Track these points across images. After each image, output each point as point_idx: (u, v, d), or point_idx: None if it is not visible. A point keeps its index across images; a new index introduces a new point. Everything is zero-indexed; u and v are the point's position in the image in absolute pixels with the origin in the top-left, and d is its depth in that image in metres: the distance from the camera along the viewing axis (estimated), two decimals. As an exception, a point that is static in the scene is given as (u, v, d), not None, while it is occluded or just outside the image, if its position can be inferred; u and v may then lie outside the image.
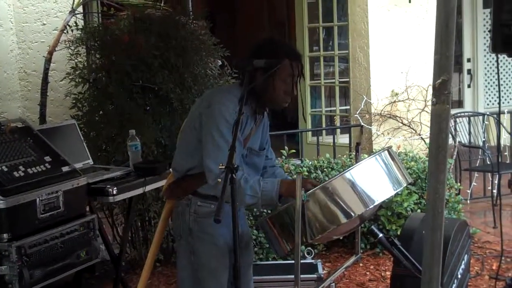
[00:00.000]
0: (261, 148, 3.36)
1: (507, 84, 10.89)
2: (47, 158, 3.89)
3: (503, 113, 7.92)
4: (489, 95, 10.91)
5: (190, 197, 3.22)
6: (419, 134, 7.35)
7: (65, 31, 5.77)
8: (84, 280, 4.35)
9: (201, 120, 3.14)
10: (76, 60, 5.45)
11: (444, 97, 2.09)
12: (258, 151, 3.32)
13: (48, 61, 5.99)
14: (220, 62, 5.71)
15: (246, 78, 2.99)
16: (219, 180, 2.77)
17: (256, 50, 3.17)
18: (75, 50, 5.46)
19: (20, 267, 3.44)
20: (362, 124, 7.44)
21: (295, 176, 3.10)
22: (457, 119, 7.60)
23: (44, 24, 6.60)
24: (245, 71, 3.04)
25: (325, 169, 5.95)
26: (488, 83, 10.89)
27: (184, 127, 3.32)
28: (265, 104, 3.23)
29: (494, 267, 5.40)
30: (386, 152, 3.13)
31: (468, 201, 7.30)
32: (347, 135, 7.85)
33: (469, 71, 10.83)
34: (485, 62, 10.81)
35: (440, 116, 2.12)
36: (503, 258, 5.05)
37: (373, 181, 2.99)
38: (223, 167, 2.72)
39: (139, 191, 4.31)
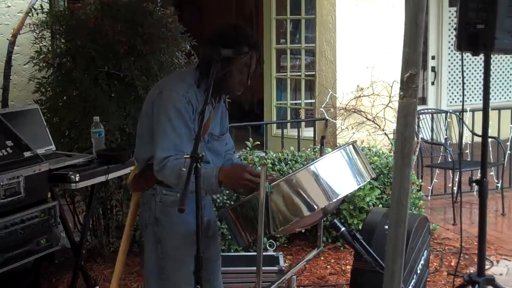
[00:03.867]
0: (221, 133, 3.35)
1: (469, 83, 11.03)
2: (9, 143, 3.83)
3: (466, 111, 8.01)
4: (452, 93, 11.05)
5: (156, 186, 3.20)
6: (383, 130, 7.41)
7: (30, 14, 5.68)
8: (43, 267, 4.29)
9: (153, 108, 3.12)
10: (40, 44, 5.36)
11: (411, 91, 2.11)
12: (218, 136, 3.31)
13: (12, 44, 5.90)
14: (188, 47, 5.66)
15: (212, 68, 2.97)
16: (183, 168, 2.75)
17: (220, 38, 3.12)
18: (40, 33, 5.38)
19: (-22, 253, 3.40)
20: (327, 117, 7.47)
21: (259, 168, 3.10)
22: (421, 116, 7.67)
23: (9, 6, 6.50)
24: (211, 59, 3.01)
25: (289, 162, 5.97)
26: (452, 81, 11.02)
27: (141, 115, 3.29)
28: (220, 91, 3.19)
29: (452, 264, 5.48)
30: (351, 146, 3.14)
31: (429, 198, 7.39)
32: (312, 128, 7.87)
33: (433, 69, 10.95)
34: (449, 60, 10.95)
35: (407, 109, 2.14)
36: (462, 255, 5.11)
37: (337, 174, 3.00)
38: (188, 156, 2.70)
39: (101, 178, 4.27)
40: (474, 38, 3.95)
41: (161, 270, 3.26)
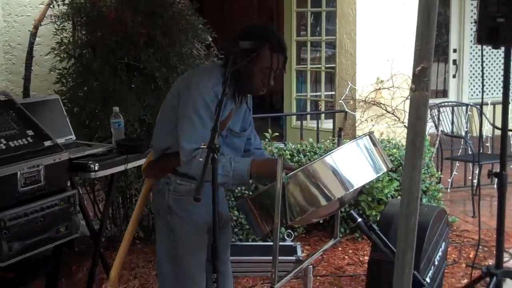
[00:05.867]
0: (242, 130, 3.37)
1: (491, 76, 10.96)
2: (30, 132, 3.87)
3: (486, 104, 7.97)
4: (474, 86, 10.98)
5: (170, 175, 3.24)
6: (402, 122, 7.38)
7: (51, 6, 5.73)
8: (63, 254, 4.34)
9: (179, 99, 3.14)
10: (61, 35, 5.41)
11: (423, 84, 2.11)
12: (238, 133, 3.33)
13: (33, 35, 5.96)
14: (210, 39, 5.69)
15: (230, 59, 3.00)
16: (200, 159, 2.78)
17: (244, 33, 3.17)
18: (61, 25, 5.43)
19: (-1, 240, 3.44)
20: (346, 110, 7.46)
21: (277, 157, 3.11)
22: (441, 109, 7.65)
23: (30, -2, 6.56)
24: (230, 52, 3.04)
25: (307, 153, 5.98)
26: (473, 74, 10.96)
27: (163, 106, 3.32)
28: (242, 89, 3.23)
29: (471, 256, 5.47)
30: (367, 137, 3.15)
31: (449, 190, 7.37)
32: (331, 120, 7.87)
33: (454, 62, 10.89)
34: (471, 53, 10.88)
35: (418, 102, 2.14)
36: (480, 247, 5.10)
37: (353, 165, 3.01)
38: (205, 146, 2.73)
39: (121, 168, 4.31)
40: (495, 31, 3.93)
41: (173, 257, 3.30)
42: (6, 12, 6.47)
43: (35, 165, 3.70)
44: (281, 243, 3.76)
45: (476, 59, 10.91)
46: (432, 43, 2.10)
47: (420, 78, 2.11)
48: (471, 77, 10.95)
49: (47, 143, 3.90)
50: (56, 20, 5.45)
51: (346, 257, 5.51)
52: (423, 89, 2.11)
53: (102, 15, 5.31)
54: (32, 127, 3.92)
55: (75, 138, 4.61)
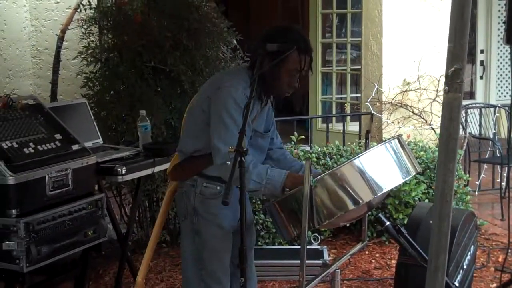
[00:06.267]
0: (266, 130, 3.37)
1: (519, 77, 10.84)
2: (57, 136, 3.89)
3: (515, 105, 7.87)
4: (501, 87, 10.86)
5: (196, 178, 3.24)
6: (430, 124, 7.33)
7: (78, 10, 5.77)
8: (90, 258, 4.36)
9: (209, 103, 3.15)
10: (88, 39, 5.45)
11: (456, 86, 2.09)
12: (262, 133, 3.33)
13: (60, 39, 6.00)
14: (235, 42, 5.69)
15: (257, 62, 2.99)
16: (228, 162, 2.77)
17: (270, 35, 3.16)
18: (88, 29, 5.46)
19: (28, 243, 3.45)
20: (372, 112, 7.42)
21: (304, 161, 3.10)
22: (468, 110, 7.58)
23: (57, 2, 6.61)
24: (257, 54, 3.04)
25: (334, 156, 5.94)
26: (501, 75, 10.84)
27: (191, 109, 3.33)
28: (269, 91, 3.23)
29: (500, 259, 5.40)
30: (396, 140, 3.13)
31: (477, 193, 7.29)
32: (357, 122, 7.83)
33: (482, 63, 10.78)
34: (498, 54, 10.76)
35: (452, 104, 2.12)
36: (509, 250, 5.03)
37: (382, 168, 2.99)
38: (233, 149, 2.72)
39: (147, 171, 4.32)
40: (524, 31, 3.88)
41: (198, 260, 3.30)
42: (33, 17, 6.54)
43: (63, 169, 3.72)
44: (307, 247, 3.74)
45: (503, 60, 10.79)
46: (465, 41, 2.08)
47: (453, 80, 2.08)
48: (498, 78, 10.83)
49: (75, 147, 3.92)
50: (83, 24, 5.48)
51: (373, 260, 5.47)
52: (456, 90, 2.09)
53: (128, 19, 5.33)
54: (60, 131, 3.95)
55: (102, 142, 4.63)
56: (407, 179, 3.24)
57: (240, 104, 3.03)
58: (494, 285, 4.91)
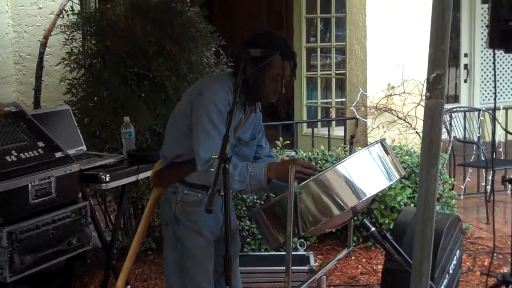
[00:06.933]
0: (251, 138, 3.35)
1: (503, 80, 10.89)
2: (40, 144, 3.86)
3: (499, 109, 7.91)
4: (485, 90, 10.92)
5: (177, 185, 3.22)
6: (414, 128, 7.33)
7: (61, 16, 5.73)
8: (75, 267, 4.33)
9: (191, 107, 3.12)
10: (71, 45, 5.41)
11: (438, 92, 2.08)
12: (247, 142, 3.31)
13: (43, 45, 5.95)
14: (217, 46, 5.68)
15: (240, 67, 2.98)
16: (211, 169, 2.75)
17: (253, 40, 3.15)
18: (71, 35, 5.43)
19: (11, 253, 3.42)
20: (357, 116, 7.43)
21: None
22: (453, 114, 7.60)
23: (40, 8, 6.56)
24: (240, 59, 3.02)
25: (319, 161, 5.94)
26: (485, 78, 10.89)
27: (174, 114, 3.31)
28: (253, 98, 3.21)
29: (486, 263, 5.41)
30: (379, 144, 3.12)
31: (462, 197, 7.31)
32: (342, 127, 7.84)
33: (465, 66, 10.84)
34: (482, 57, 10.82)
35: (433, 110, 2.11)
36: (495, 254, 5.04)
37: (366, 173, 2.98)
38: (216, 156, 2.70)
39: (132, 178, 4.30)
40: (507, 35, 3.89)
41: (181, 268, 3.27)
42: (16, 23, 6.48)
43: (46, 177, 3.69)
44: (293, 253, 3.73)
45: (487, 63, 10.84)
46: (446, 47, 2.07)
47: (434, 85, 2.07)
48: (482, 82, 10.89)
49: (58, 155, 3.89)
50: (66, 30, 5.45)
51: (360, 266, 5.47)
52: (438, 96, 2.08)
53: (111, 24, 5.31)
54: (43, 138, 3.92)
55: (85, 149, 4.60)
56: (391, 183, 3.23)
57: (222, 110, 3.01)
58: (480, 289, 4.92)
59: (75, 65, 5.35)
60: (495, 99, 4.67)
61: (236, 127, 3.19)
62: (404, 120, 7.36)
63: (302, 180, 2.93)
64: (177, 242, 3.26)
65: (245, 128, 3.29)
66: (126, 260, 3.56)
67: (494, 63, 4.11)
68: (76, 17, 5.48)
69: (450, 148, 7.25)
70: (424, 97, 7.47)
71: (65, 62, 5.36)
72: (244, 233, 5.40)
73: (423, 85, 7.33)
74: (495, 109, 6.04)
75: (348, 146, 3.85)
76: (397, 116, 7.36)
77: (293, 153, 6.29)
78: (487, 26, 4.00)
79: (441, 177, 6.14)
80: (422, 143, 2.19)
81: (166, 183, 3.29)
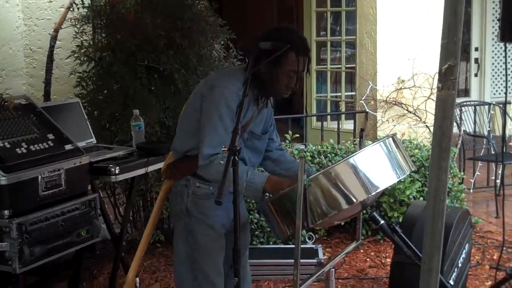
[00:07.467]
0: (263, 132, 3.35)
1: (514, 74, 10.82)
2: (50, 136, 3.87)
3: (509, 103, 7.85)
4: (496, 84, 10.86)
5: (189, 178, 3.22)
6: (424, 122, 7.32)
7: (71, 9, 5.75)
8: (84, 258, 4.34)
9: (202, 102, 3.12)
10: (81, 39, 5.42)
11: (450, 83, 2.06)
12: (259, 135, 3.31)
13: (53, 38, 5.97)
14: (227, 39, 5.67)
15: (250, 61, 2.97)
16: (221, 162, 2.75)
17: (265, 35, 3.13)
18: (81, 28, 5.44)
19: (21, 244, 3.43)
20: (367, 110, 7.41)
21: (298, 160, 3.08)
22: (463, 108, 7.57)
23: (50, 1, 6.58)
24: (250, 53, 3.01)
25: (328, 155, 5.93)
26: (496, 72, 10.84)
27: (185, 108, 3.31)
28: (266, 93, 3.20)
29: (495, 257, 5.40)
30: (390, 139, 3.11)
31: (471, 191, 7.28)
32: (352, 121, 7.82)
33: (476, 60, 10.78)
34: (493, 51, 10.76)
35: (445, 102, 2.09)
36: (504, 248, 5.04)
37: (376, 167, 2.98)
38: (226, 149, 2.70)
39: (141, 171, 4.30)
40: (518, 28, 3.86)
41: (191, 261, 3.28)
42: (26, 16, 6.51)
43: (56, 169, 3.70)
44: (302, 246, 3.73)
45: (498, 57, 10.79)
46: (459, 38, 2.05)
47: (446, 77, 2.05)
48: (493, 76, 10.84)
49: (68, 147, 3.89)
50: (76, 23, 5.45)
51: (368, 259, 5.46)
52: (450, 87, 2.06)
53: (121, 18, 5.31)
54: (52, 130, 3.92)
55: (95, 141, 4.61)
56: (401, 178, 3.22)
57: (232, 106, 3.01)
58: (489, 283, 4.90)
59: (85, 58, 5.35)
60: (506, 93, 4.63)
61: (249, 121, 3.18)
62: (414, 114, 7.35)
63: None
64: (188, 234, 3.27)
65: (257, 122, 3.29)
66: (137, 252, 3.58)
67: (505, 56, 4.09)
68: (86, 10, 5.49)
69: (460, 142, 7.23)
70: (434, 91, 7.48)
71: (75, 55, 5.37)
72: (253, 226, 5.41)
73: (433, 78, 7.31)
74: (505, 103, 6.00)
75: (358, 139, 3.83)
76: (407, 110, 7.35)
77: (302, 146, 6.28)
78: (498, 20, 3.98)
79: (451, 171, 6.12)
80: (433, 136, 2.17)
81: (178, 176, 3.29)
